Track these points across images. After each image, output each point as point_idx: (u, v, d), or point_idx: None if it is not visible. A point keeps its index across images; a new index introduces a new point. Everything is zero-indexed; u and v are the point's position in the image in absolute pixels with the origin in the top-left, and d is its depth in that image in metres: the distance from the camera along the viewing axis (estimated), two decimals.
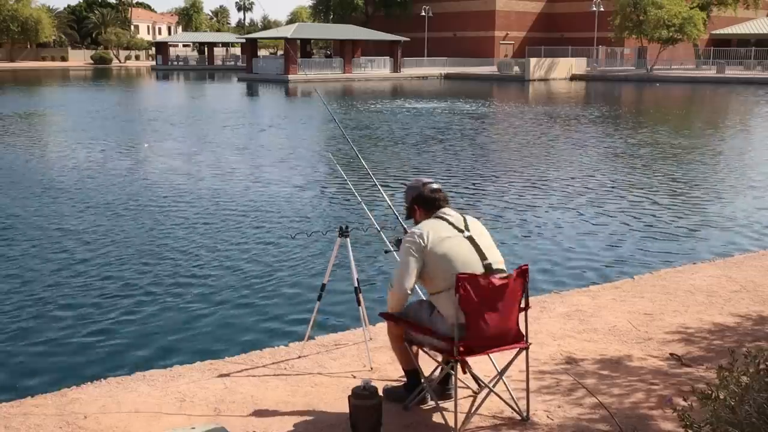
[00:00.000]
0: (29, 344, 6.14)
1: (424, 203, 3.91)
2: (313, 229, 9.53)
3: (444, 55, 68.48)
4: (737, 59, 64.00)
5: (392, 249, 4.57)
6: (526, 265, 3.80)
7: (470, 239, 3.78)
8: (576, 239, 9.60)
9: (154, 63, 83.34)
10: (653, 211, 11.30)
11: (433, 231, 3.76)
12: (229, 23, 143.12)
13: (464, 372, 3.83)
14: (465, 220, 3.87)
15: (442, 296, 3.72)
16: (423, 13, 69.98)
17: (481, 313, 3.64)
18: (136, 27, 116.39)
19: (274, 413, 4.01)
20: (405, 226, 4.45)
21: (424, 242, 3.72)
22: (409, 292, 3.82)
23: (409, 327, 3.87)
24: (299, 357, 4.79)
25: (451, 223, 3.81)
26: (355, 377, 4.43)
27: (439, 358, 4.06)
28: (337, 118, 27.14)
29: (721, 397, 2.69)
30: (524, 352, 3.85)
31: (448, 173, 14.74)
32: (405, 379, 4.22)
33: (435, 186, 3.94)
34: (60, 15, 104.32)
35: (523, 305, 3.83)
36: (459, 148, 18.76)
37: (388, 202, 4.98)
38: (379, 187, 5.17)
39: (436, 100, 36.26)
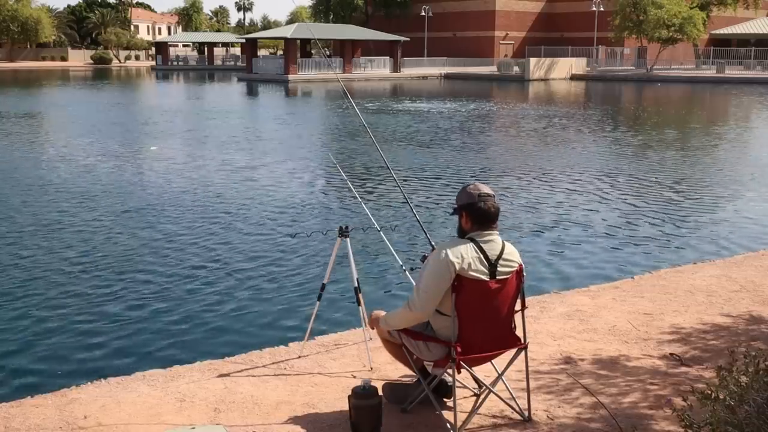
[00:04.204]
0: (29, 344, 6.14)
1: (473, 214, 3.66)
2: (313, 229, 9.53)
3: (444, 55, 68.47)
4: (737, 59, 64.03)
5: (402, 265, 4.67)
6: (521, 265, 3.75)
7: (493, 275, 3.63)
8: (576, 239, 9.60)
9: (153, 63, 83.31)
10: (653, 210, 11.30)
11: (463, 261, 3.56)
12: (229, 23, 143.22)
13: (459, 372, 3.79)
14: (503, 249, 3.67)
15: (446, 319, 3.66)
16: (423, 13, 69.96)
17: (476, 320, 3.62)
18: (136, 27, 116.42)
19: (274, 413, 4.01)
20: (432, 242, 4.42)
21: (452, 271, 3.55)
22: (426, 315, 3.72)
23: (405, 333, 3.82)
24: (299, 357, 4.79)
25: (486, 256, 3.61)
26: (355, 377, 4.43)
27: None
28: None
29: (721, 397, 2.69)
30: (523, 352, 3.85)
31: (449, 173, 14.74)
32: (407, 379, 4.23)
33: (490, 202, 3.65)
34: (60, 15, 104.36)
35: (519, 306, 3.82)
36: (459, 148, 18.76)
37: (416, 215, 4.90)
38: (405, 194, 5.12)
39: (436, 100, 36.27)
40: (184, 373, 4.59)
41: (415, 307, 3.65)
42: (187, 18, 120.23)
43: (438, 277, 3.58)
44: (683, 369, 4.57)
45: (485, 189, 3.69)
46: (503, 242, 3.70)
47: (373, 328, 4.18)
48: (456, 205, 3.74)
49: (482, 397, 3.93)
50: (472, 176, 14.41)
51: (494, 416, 3.93)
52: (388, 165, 5.18)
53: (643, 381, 4.38)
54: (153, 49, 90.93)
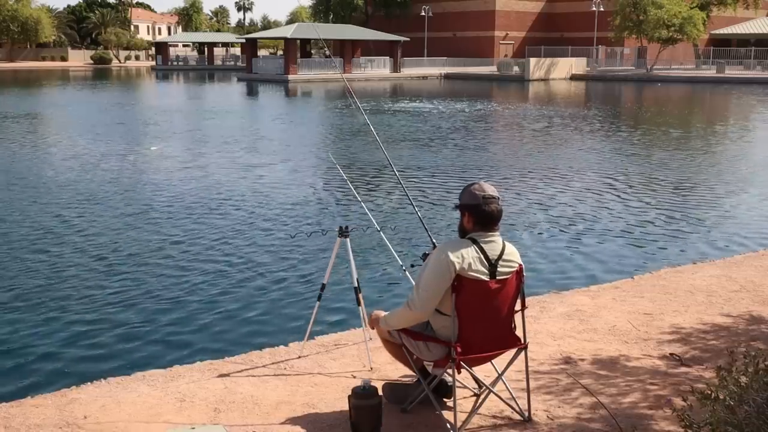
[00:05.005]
0: (29, 344, 6.14)
1: (476, 215, 3.64)
2: (312, 229, 9.53)
3: (444, 55, 68.47)
4: (737, 59, 64.05)
5: (402, 265, 4.68)
6: (521, 266, 3.74)
7: (493, 275, 3.63)
8: (576, 239, 9.60)
9: (153, 63, 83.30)
10: (654, 210, 11.31)
11: (464, 261, 3.56)
12: (229, 23, 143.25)
13: (459, 372, 3.78)
14: (503, 249, 3.66)
15: (446, 318, 3.65)
16: (423, 13, 69.97)
17: (476, 320, 3.62)
18: (136, 27, 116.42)
19: (274, 413, 4.01)
20: (434, 239, 4.42)
21: (452, 271, 3.55)
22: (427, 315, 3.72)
23: (405, 333, 3.82)
24: (299, 357, 4.79)
25: (486, 257, 3.60)
26: (355, 377, 4.43)
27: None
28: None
29: (721, 397, 2.69)
30: (523, 352, 3.85)
31: (450, 172, 14.74)
32: (407, 379, 4.23)
33: (494, 204, 3.62)
34: (60, 15, 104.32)
35: (519, 306, 3.81)
36: (459, 147, 18.75)
37: (417, 213, 4.88)
38: (408, 195, 5.11)
39: (437, 100, 36.27)
40: (184, 373, 4.59)
41: (415, 306, 3.65)
42: (187, 18, 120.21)
43: (438, 276, 3.57)
44: (683, 369, 4.57)
45: (490, 191, 3.66)
46: (504, 242, 3.70)
47: (373, 328, 4.18)
48: (459, 203, 3.72)
49: (482, 397, 3.93)
50: (472, 176, 14.40)
51: (494, 416, 3.93)
52: (390, 162, 5.18)
53: (643, 381, 4.38)
54: (153, 49, 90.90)
